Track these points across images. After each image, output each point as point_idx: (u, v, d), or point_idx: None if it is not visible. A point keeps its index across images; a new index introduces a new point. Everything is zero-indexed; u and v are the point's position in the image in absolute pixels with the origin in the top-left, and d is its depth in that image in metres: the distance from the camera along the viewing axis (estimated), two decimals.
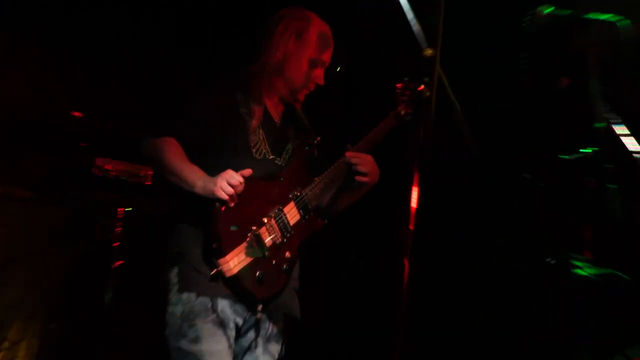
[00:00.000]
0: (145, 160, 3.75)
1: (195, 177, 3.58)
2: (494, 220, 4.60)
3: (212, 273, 3.57)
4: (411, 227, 2.84)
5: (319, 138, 3.98)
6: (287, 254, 3.75)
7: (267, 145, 3.88)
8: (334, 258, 5.85)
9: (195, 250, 3.63)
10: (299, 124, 4.03)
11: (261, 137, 3.86)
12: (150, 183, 5.26)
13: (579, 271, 3.43)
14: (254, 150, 3.82)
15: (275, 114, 3.98)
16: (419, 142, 2.87)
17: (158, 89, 5.41)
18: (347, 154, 3.87)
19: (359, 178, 3.87)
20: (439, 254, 5.13)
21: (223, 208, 3.56)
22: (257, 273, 3.63)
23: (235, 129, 3.80)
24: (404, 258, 2.77)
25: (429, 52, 2.90)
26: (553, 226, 4.02)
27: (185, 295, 3.63)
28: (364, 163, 3.86)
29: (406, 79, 3.94)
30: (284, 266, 3.73)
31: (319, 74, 3.91)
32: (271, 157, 3.88)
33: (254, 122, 3.83)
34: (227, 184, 3.52)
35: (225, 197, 3.52)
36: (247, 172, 3.57)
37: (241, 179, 3.54)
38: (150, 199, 5.29)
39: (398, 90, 3.96)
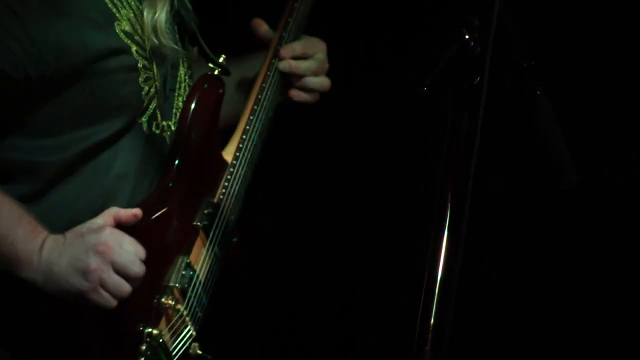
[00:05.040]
0: None
1: (23, 244, 1.70)
2: None
3: None
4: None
5: (223, 57, 2.00)
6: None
7: (160, 101, 1.93)
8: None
9: None
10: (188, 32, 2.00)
11: (155, 80, 1.89)
12: None
13: None
14: (143, 117, 1.88)
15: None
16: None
17: None
18: (282, 51, 2.04)
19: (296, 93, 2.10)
20: None
21: (94, 320, 1.76)
22: None
23: (106, 59, 1.79)
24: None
25: None
26: None
27: None
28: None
29: None
30: None
31: None
32: (163, 125, 1.94)
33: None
34: (121, 272, 1.71)
35: (112, 304, 1.72)
36: (137, 213, 1.77)
37: (143, 254, 1.74)
38: None
39: None
